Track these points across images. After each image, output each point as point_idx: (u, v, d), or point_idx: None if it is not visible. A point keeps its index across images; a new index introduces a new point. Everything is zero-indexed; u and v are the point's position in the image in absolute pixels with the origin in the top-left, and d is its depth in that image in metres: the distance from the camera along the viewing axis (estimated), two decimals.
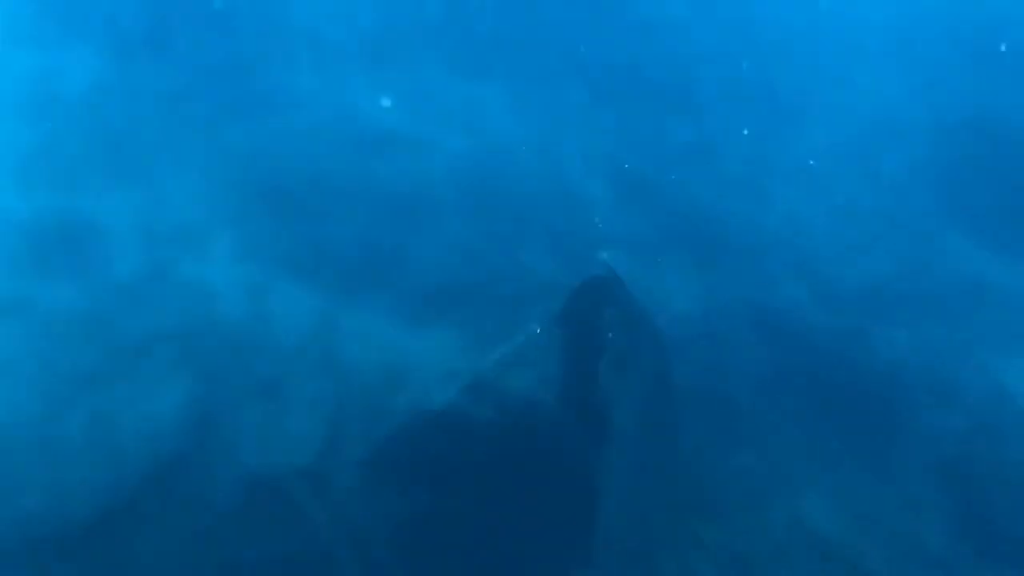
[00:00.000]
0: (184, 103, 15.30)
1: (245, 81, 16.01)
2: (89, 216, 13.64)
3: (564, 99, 17.09)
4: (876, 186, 16.65)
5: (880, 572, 11.06)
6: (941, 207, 16.39)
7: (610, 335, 9.25)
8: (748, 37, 19.31)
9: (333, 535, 10.35)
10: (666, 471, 11.17)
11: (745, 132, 16.99)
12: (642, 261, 14.41)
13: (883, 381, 13.42)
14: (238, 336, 12.71)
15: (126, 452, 10.84)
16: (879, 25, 20.28)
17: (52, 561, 9.74)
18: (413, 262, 14.06)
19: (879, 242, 15.56)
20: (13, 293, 12.50)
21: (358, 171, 15.18)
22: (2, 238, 13.10)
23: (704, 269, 14.43)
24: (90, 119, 14.77)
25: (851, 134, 17.65)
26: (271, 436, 11.53)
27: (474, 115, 16.43)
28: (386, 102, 16.39)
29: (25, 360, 11.75)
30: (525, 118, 16.61)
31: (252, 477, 10.79)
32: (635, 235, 14.92)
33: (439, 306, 13.27)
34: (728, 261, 14.76)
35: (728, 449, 12.18)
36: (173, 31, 16.51)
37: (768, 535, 11.46)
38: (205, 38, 16.67)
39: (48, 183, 13.76)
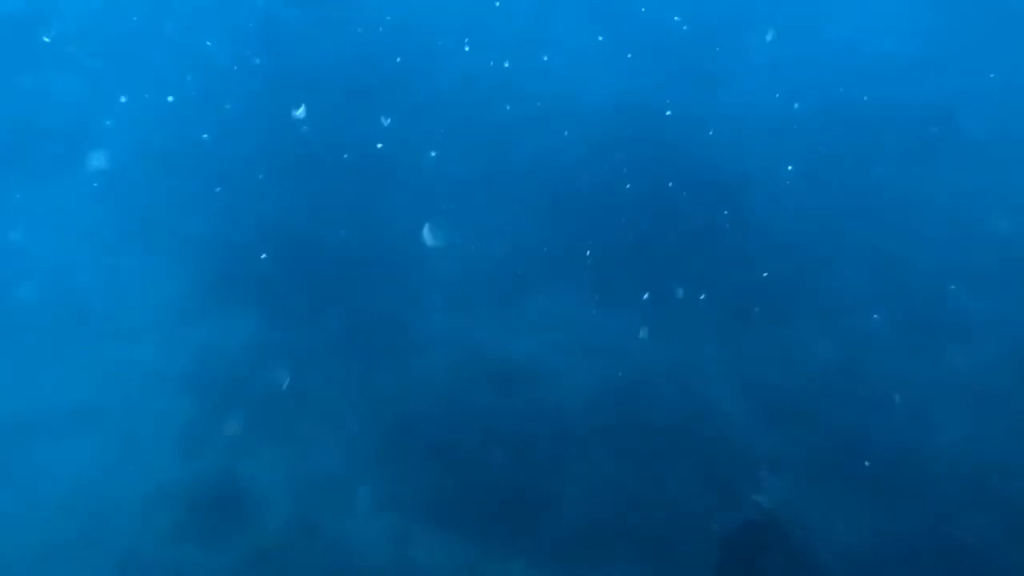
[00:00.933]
0: (332, 359, 16.00)
1: (376, 327, 16.65)
2: (242, 477, 14.06)
3: (701, 320, 16.93)
4: None
5: None
6: None
7: None
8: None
9: None
10: None
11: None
12: (798, 490, 13.49)
13: None
14: None
15: None
16: None
17: None
18: (559, 503, 13.64)
19: None
20: (170, 560, 12.80)
21: (498, 408, 15.22)
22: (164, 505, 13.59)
23: (871, 501, 13.32)
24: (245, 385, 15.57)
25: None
26: None
27: (610, 341, 16.43)
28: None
29: None
30: (662, 342, 16.44)
31: None
32: (790, 461, 14.08)
33: (588, 552, 12.66)
34: (896, 491, 13.61)
35: None
36: (317, 286, 17.63)
37: None
38: (341, 288, 17.63)
39: (207, 449, 14.38)
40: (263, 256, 17.70)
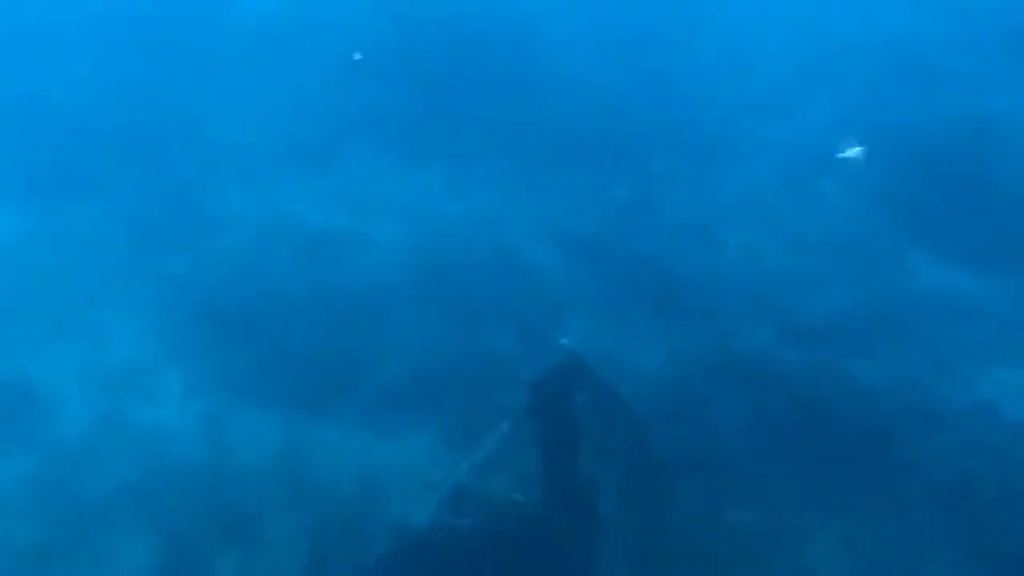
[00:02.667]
0: (111, 241, 14.85)
1: (174, 207, 15.61)
2: (30, 375, 13.04)
3: (497, 170, 16.90)
4: (822, 214, 16.60)
5: None
6: (891, 225, 16.38)
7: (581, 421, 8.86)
8: (664, 81, 19.39)
9: None
10: (663, 547, 10.66)
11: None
12: (602, 326, 14.08)
13: (867, 412, 13.04)
14: (201, 478, 12.11)
15: None
16: (788, 50, 20.60)
17: None
18: (372, 365, 13.59)
19: (837, 270, 15.45)
20: None
21: (301, 278, 14.77)
22: None
23: (666, 325, 14.10)
24: (15, 271, 14.25)
25: (786, 166, 17.64)
26: None
27: (411, 201, 16.15)
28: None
29: None
30: (462, 196, 16.35)
31: None
32: (591, 299, 14.60)
33: (406, 408, 12.79)
34: (689, 313, 14.43)
35: (722, 510, 11.70)
36: (89, 169, 16.13)
37: None
38: (126, 168, 16.30)
39: None
40: None
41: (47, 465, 12.01)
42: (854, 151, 17.04)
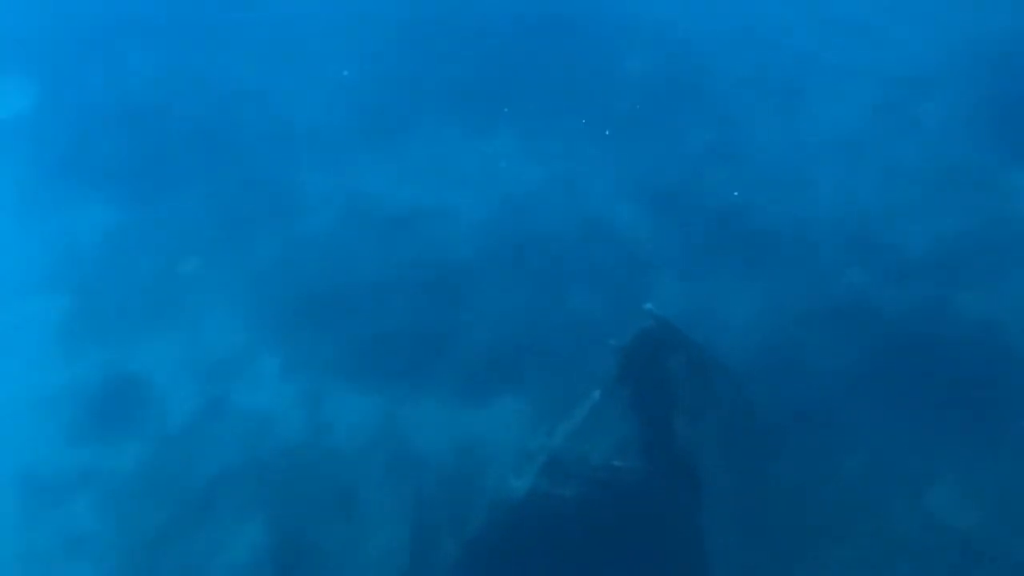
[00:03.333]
0: (200, 231, 15.19)
1: (256, 193, 15.83)
2: (133, 366, 13.53)
3: (574, 132, 16.47)
4: (918, 141, 15.58)
5: None
6: (993, 146, 15.26)
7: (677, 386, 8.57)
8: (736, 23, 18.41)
9: None
10: (769, 503, 10.33)
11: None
12: (692, 283, 13.67)
13: (978, 349, 12.28)
14: (304, 458, 12.40)
15: None
16: None
17: None
18: (462, 338, 13.57)
19: (937, 199, 14.49)
20: (75, 463, 12.42)
21: (386, 256, 14.80)
22: (55, 408, 13.05)
23: (758, 276, 13.57)
24: (114, 268, 14.76)
25: (875, 94, 16.56)
26: (359, 556, 11.10)
27: (488, 172, 15.94)
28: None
29: (99, 533, 11.59)
30: (538, 161, 16.04)
31: None
32: (679, 256, 14.16)
33: (498, 379, 12.77)
34: (782, 260, 13.85)
35: (830, 460, 11.29)
36: (172, 161, 16.49)
37: (903, 542, 10.50)
38: (206, 158, 16.58)
39: (88, 343, 13.71)
40: None
41: (157, 453, 12.46)
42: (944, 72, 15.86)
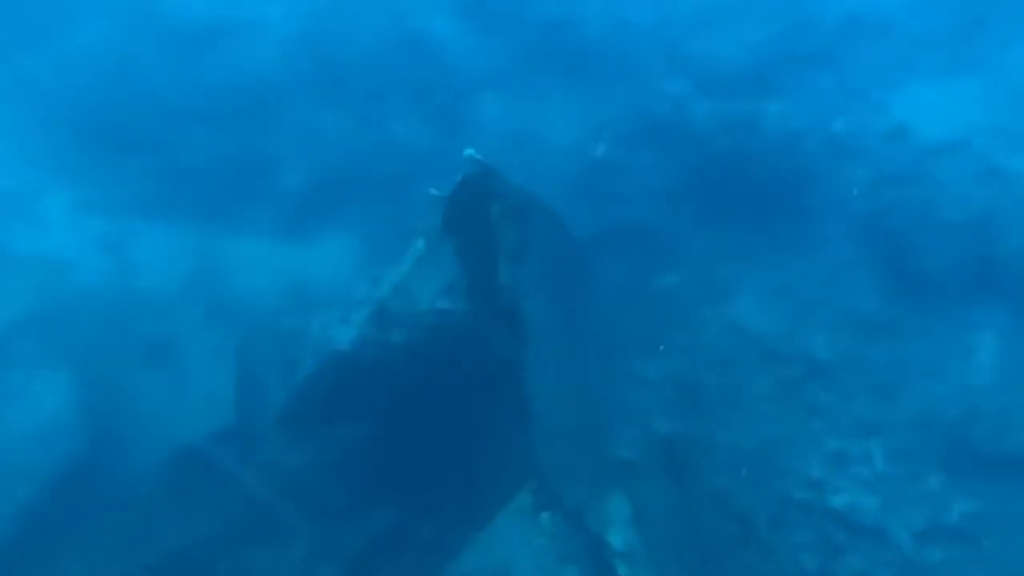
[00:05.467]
0: None
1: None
2: None
3: None
4: None
5: (825, 353, 10.76)
6: None
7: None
8: None
9: (272, 493, 9.75)
10: (589, 322, 10.55)
11: None
12: (514, 101, 13.18)
13: (785, 154, 12.33)
14: (109, 304, 11.41)
15: (17, 469, 9.76)
16: None
17: None
18: (276, 170, 12.64)
19: (746, 8, 14.35)
20: None
21: (183, 78, 13.25)
22: None
23: (580, 92, 13.16)
24: None
25: None
26: (177, 407, 10.60)
27: None
28: None
29: None
30: None
31: (170, 458, 9.93)
32: (501, 73, 13.54)
33: (318, 218, 12.09)
34: (603, 76, 13.43)
35: (649, 276, 11.52)
36: None
37: (708, 349, 10.90)
38: None
39: None
40: None
41: None
42: None
